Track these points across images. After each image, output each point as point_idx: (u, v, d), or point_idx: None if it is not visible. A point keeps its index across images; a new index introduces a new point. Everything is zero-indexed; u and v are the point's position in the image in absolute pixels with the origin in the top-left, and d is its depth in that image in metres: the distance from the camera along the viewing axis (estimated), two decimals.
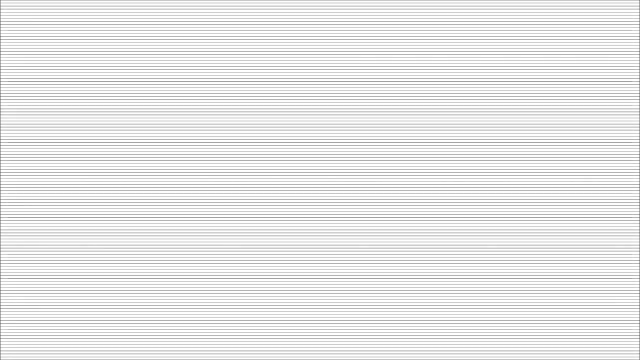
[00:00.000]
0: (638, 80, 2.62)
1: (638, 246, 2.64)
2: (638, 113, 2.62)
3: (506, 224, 2.63)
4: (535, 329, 2.65)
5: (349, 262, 2.65)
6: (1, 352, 2.68)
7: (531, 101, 2.62)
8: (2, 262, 2.67)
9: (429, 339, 2.67)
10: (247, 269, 2.66)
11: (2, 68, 2.64)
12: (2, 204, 2.65)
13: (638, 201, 2.63)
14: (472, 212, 2.63)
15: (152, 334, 2.67)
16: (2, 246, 2.66)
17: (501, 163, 2.62)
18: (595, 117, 2.61)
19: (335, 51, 2.63)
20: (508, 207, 2.63)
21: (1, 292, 2.67)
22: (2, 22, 2.64)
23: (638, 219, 2.63)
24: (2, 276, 2.67)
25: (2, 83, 2.65)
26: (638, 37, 2.62)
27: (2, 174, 2.65)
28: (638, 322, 2.65)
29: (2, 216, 2.65)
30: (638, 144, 2.62)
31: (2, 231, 2.66)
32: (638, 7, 2.62)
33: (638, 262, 2.64)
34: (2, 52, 2.65)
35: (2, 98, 2.65)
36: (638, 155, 2.63)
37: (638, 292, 2.65)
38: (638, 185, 2.63)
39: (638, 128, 2.62)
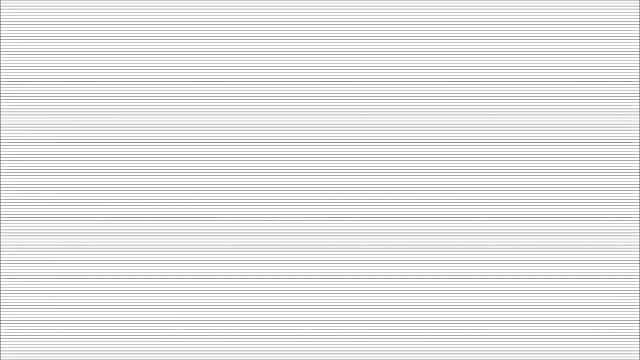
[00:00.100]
0: (638, 80, 2.62)
1: (638, 246, 2.64)
2: (638, 113, 2.62)
3: (506, 224, 2.63)
4: (535, 329, 2.65)
5: (349, 262, 2.65)
6: (1, 352, 2.68)
7: (531, 101, 2.62)
8: (2, 262, 2.67)
9: (429, 339, 2.67)
10: (247, 269, 2.66)
11: (2, 68, 2.64)
12: (2, 204, 2.65)
13: (638, 201, 2.63)
14: (472, 212, 2.63)
15: (152, 334, 2.67)
16: (2, 246, 2.66)
17: (501, 163, 2.62)
18: (595, 117, 2.61)
19: (335, 51, 2.63)
20: (508, 207, 2.63)
21: (1, 292, 2.67)
22: (2, 22, 2.64)
23: (638, 219, 2.63)
24: (2, 276, 2.67)
25: (2, 83, 2.65)
26: (638, 37, 2.62)
27: (2, 174, 2.65)
28: (638, 322, 2.65)
29: (2, 216, 2.65)
30: (638, 144, 2.62)
31: (2, 231, 2.66)
32: (638, 7, 2.62)
33: (638, 262, 2.64)
34: (2, 52, 2.65)
35: (2, 98, 2.65)
36: (638, 155, 2.63)
37: (638, 292, 2.65)
38: (638, 185, 2.63)
39: (638, 128, 2.62)
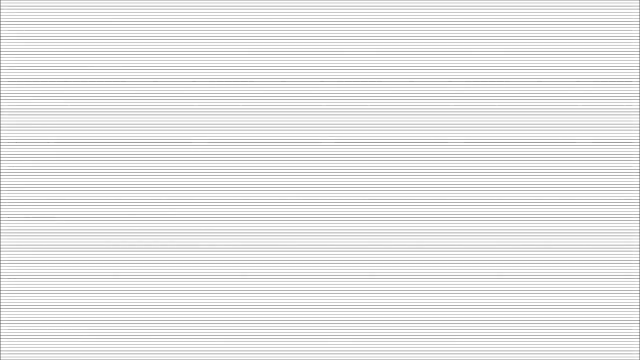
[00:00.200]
0: (638, 80, 2.62)
1: (638, 246, 2.64)
2: (638, 113, 2.62)
3: (506, 224, 2.63)
4: (535, 329, 2.65)
5: (348, 262, 2.65)
6: (1, 352, 2.68)
7: (531, 101, 2.62)
8: (2, 262, 2.67)
9: (429, 339, 2.67)
10: (247, 269, 2.66)
11: (2, 68, 2.64)
12: (2, 204, 2.65)
13: (638, 201, 2.63)
14: (472, 212, 2.63)
15: (152, 334, 2.67)
16: (2, 246, 2.66)
17: (501, 163, 2.62)
18: (595, 117, 2.61)
19: (335, 51, 2.63)
20: (508, 207, 2.63)
21: (1, 292, 2.67)
22: (2, 22, 2.64)
23: (638, 219, 2.63)
24: (2, 276, 2.67)
25: (2, 83, 2.65)
26: (638, 37, 2.62)
27: (2, 174, 2.65)
28: (638, 322, 2.65)
29: (2, 216, 2.65)
30: (638, 144, 2.62)
31: (2, 231, 2.66)
32: (638, 7, 2.62)
33: (638, 262, 2.64)
34: (2, 52, 2.65)
35: (2, 98, 2.65)
36: (638, 155, 2.63)
37: (638, 292, 2.65)
38: (638, 185, 2.63)
39: (638, 128, 2.62)
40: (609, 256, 2.64)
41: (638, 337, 2.65)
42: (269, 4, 2.64)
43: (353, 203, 2.64)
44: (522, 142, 2.62)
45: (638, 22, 2.62)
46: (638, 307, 2.65)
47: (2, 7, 2.65)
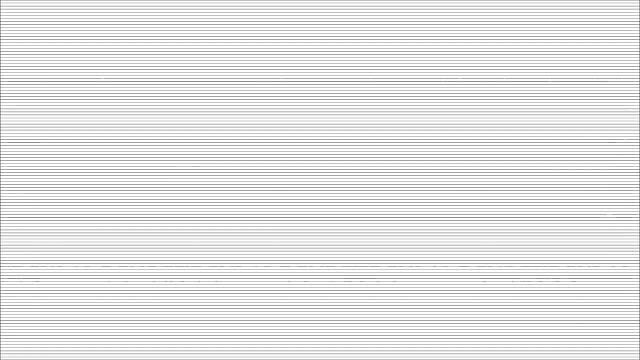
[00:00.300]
0: (638, 80, 2.62)
1: (638, 246, 2.64)
2: (638, 113, 2.62)
3: (506, 224, 2.63)
4: (535, 329, 2.65)
5: (348, 263, 2.65)
6: (1, 352, 2.68)
7: (531, 101, 2.62)
8: (2, 262, 2.66)
9: (429, 338, 2.67)
10: (247, 269, 2.66)
11: (2, 68, 2.64)
12: (2, 204, 2.65)
13: (638, 201, 2.63)
14: (472, 212, 2.63)
15: (152, 334, 2.67)
16: (2, 246, 2.66)
17: (501, 163, 2.62)
18: (595, 117, 2.61)
19: (335, 51, 2.63)
20: (508, 207, 2.63)
21: (1, 292, 2.67)
22: (2, 22, 2.64)
23: (638, 219, 2.63)
24: (2, 276, 2.67)
25: (2, 83, 2.65)
26: (638, 37, 2.62)
27: (2, 174, 2.65)
28: (638, 322, 2.65)
29: (2, 216, 2.65)
30: (638, 144, 2.62)
31: (2, 231, 2.66)
32: (638, 7, 2.62)
33: (638, 262, 2.64)
34: (2, 52, 2.65)
35: (2, 98, 2.65)
36: (638, 155, 2.63)
37: (638, 292, 2.65)
38: (638, 185, 2.63)
39: (638, 128, 2.62)
40: (609, 256, 2.64)
41: (638, 337, 2.65)
42: (269, 4, 2.64)
43: (353, 203, 2.64)
44: (522, 142, 2.62)
45: (638, 22, 2.62)
46: (638, 307, 2.65)
47: (2, 7, 2.65)
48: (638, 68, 2.61)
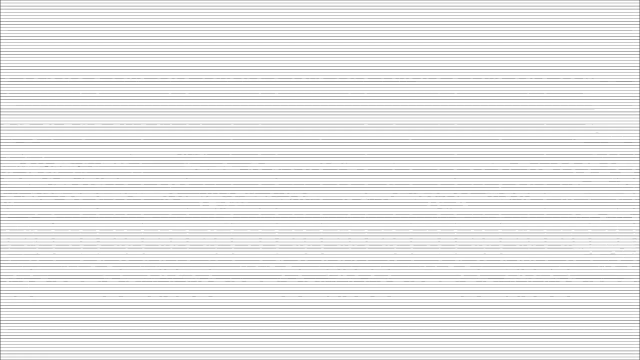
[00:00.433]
0: (638, 81, 2.62)
1: (638, 246, 2.64)
2: (638, 114, 2.62)
3: (506, 224, 2.63)
4: (535, 329, 2.65)
5: (348, 263, 2.65)
6: (1, 352, 2.68)
7: (531, 101, 2.62)
8: (2, 262, 2.66)
9: (428, 338, 2.67)
10: (247, 269, 2.66)
11: (2, 68, 2.64)
12: (2, 204, 2.65)
13: (638, 201, 2.63)
14: (472, 212, 2.63)
15: (152, 334, 2.67)
16: (2, 246, 2.66)
17: (501, 163, 2.62)
18: (595, 117, 2.61)
19: (335, 51, 2.63)
20: (508, 207, 2.63)
21: (1, 292, 2.67)
22: (2, 22, 2.64)
23: (638, 219, 2.63)
24: (2, 276, 2.67)
25: (2, 83, 2.65)
26: (638, 37, 2.62)
27: (2, 174, 2.65)
28: (638, 322, 2.65)
29: (2, 216, 2.65)
30: (638, 144, 2.62)
31: (2, 231, 2.66)
32: (638, 7, 2.62)
33: (638, 262, 2.64)
34: (2, 52, 2.65)
35: (2, 98, 2.65)
36: (638, 156, 2.63)
37: (638, 292, 2.65)
38: (638, 186, 2.63)
39: (638, 129, 2.62)
40: (608, 256, 2.64)
41: (638, 337, 2.65)
42: (269, 4, 2.64)
43: (353, 203, 2.64)
44: (522, 142, 2.62)
45: (638, 22, 2.62)
46: (638, 307, 2.65)
47: (2, 7, 2.65)
48: (638, 68, 2.61)
